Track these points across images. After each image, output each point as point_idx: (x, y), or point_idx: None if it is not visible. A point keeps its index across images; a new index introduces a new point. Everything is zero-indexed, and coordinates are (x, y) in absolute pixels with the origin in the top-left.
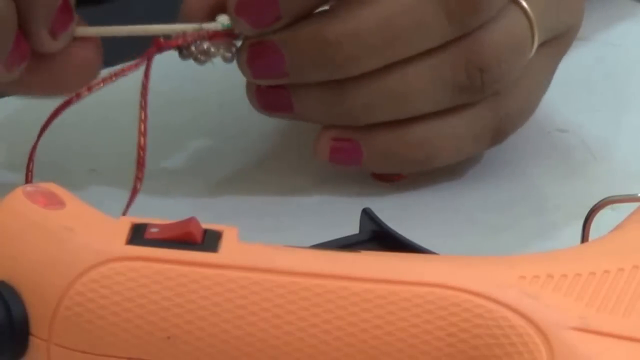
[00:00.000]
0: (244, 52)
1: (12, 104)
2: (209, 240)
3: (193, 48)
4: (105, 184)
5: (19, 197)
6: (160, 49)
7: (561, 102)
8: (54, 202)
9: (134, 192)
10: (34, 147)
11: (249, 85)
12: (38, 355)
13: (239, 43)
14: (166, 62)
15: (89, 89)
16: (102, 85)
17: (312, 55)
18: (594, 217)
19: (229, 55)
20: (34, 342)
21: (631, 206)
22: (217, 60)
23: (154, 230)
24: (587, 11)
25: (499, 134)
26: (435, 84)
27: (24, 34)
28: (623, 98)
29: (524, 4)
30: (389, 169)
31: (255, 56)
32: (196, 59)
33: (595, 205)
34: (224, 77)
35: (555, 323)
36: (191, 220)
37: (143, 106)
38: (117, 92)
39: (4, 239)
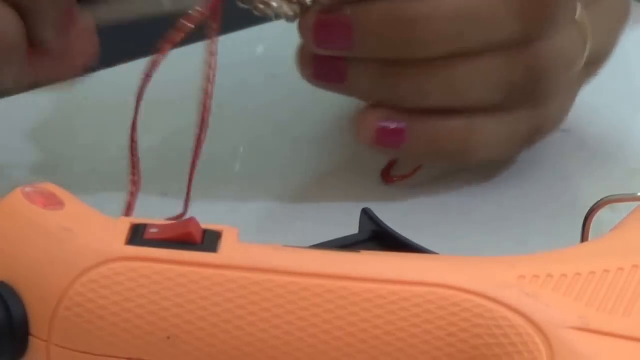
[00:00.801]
0: (310, 17)
1: (12, 104)
2: (209, 241)
3: None
4: (105, 184)
5: (18, 197)
6: None
7: None
8: (53, 202)
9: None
10: (134, 122)
11: (303, 53)
12: (38, 356)
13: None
14: (167, 63)
15: (167, 48)
16: (179, 38)
17: (382, 32)
18: (593, 216)
19: (291, 14)
20: (34, 343)
21: (631, 206)
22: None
23: (153, 230)
24: None
25: (528, 141)
26: (492, 80)
27: (32, 41)
28: (623, 97)
29: (586, 23)
30: (425, 158)
31: (323, 25)
32: (256, 9)
33: (595, 205)
34: (222, 78)
35: (555, 323)
36: (191, 221)
37: (211, 55)
38: (117, 92)
39: (3, 240)
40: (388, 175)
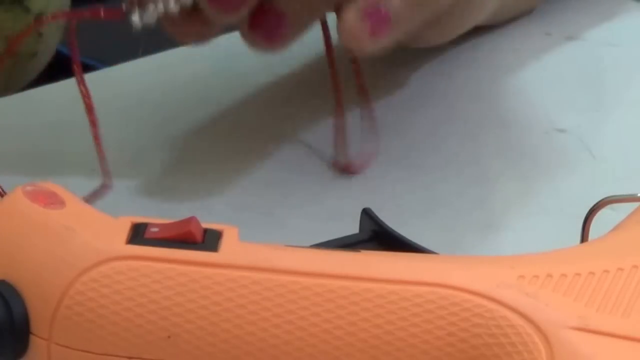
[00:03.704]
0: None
1: (12, 104)
2: (209, 240)
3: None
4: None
5: (19, 196)
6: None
7: (559, 101)
8: (54, 201)
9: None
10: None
11: (242, 33)
12: (39, 354)
13: None
14: (169, 63)
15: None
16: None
17: None
18: (593, 217)
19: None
20: (35, 341)
21: (631, 206)
22: (218, 59)
23: (154, 229)
24: (585, 11)
25: None
26: None
27: None
28: (621, 97)
29: None
30: (416, 20)
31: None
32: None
33: (594, 205)
34: (222, 79)
35: (554, 322)
36: (191, 220)
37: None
38: (116, 91)
39: (4, 238)
40: (338, 164)
